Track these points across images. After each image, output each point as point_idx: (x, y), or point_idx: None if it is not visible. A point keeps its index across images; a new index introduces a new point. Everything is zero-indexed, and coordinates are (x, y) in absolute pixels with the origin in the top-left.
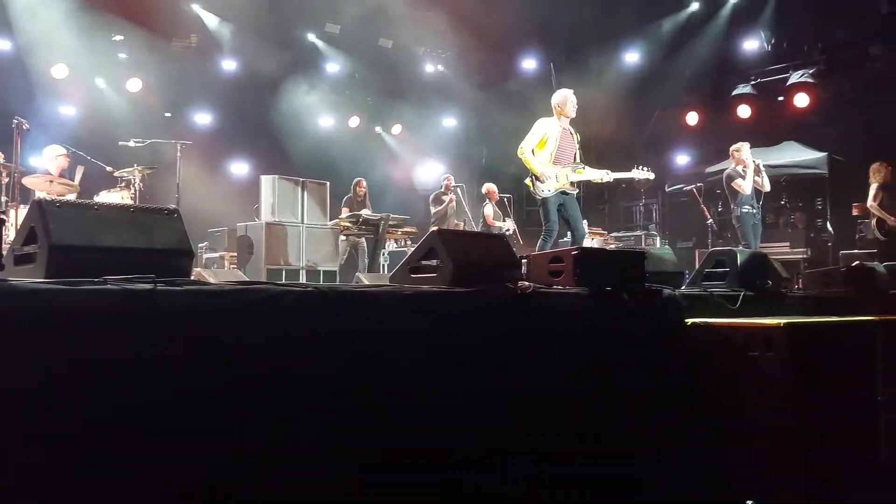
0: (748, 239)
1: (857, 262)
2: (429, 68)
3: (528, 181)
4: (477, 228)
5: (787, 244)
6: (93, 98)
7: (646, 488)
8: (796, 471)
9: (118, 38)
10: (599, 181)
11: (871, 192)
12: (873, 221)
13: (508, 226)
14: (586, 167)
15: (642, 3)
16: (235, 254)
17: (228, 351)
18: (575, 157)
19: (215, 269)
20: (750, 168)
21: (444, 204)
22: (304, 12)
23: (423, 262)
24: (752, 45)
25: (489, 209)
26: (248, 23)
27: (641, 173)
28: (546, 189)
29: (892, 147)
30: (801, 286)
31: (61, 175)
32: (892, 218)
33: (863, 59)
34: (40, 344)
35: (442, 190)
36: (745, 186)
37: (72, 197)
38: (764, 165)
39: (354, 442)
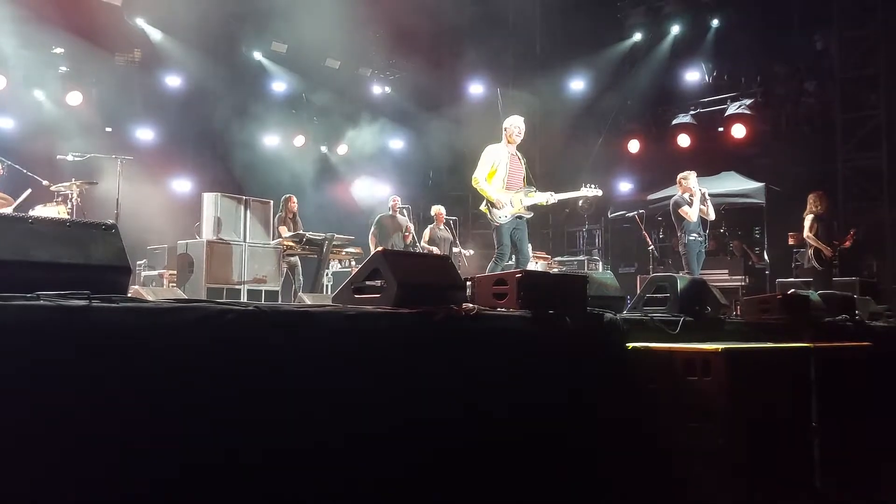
0: (692, 266)
1: (793, 291)
2: (376, 90)
3: (483, 208)
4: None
5: (726, 271)
6: (31, 110)
7: None
8: (731, 496)
9: (59, 50)
10: (546, 203)
11: (807, 222)
12: (810, 251)
13: (459, 249)
14: (536, 190)
15: (587, 33)
16: (175, 272)
17: (165, 370)
18: (524, 181)
19: (154, 287)
20: (696, 196)
21: (388, 229)
22: (251, 30)
23: (368, 283)
24: (692, 76)
25: (427, 232)
26: (193, 39)
27: (590, 191)
28: (503, 216)
29: (824, 179)
30: (738, 313)
31: None
32: (829, 248)
33: (798, 94)
34: None
35: (389, 212)
36: (691, 214)
37: (6, 210)
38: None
39: (296, 463)
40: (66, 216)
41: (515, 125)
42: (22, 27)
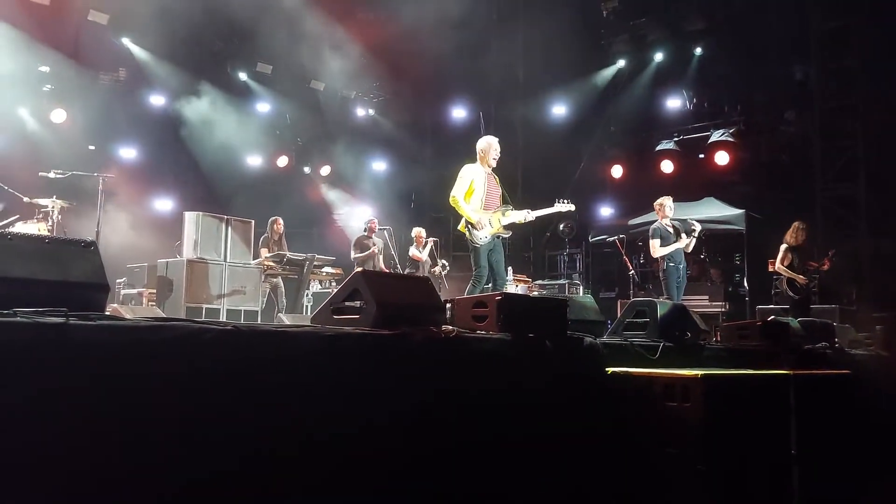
0: (671, 292)
1: (773, 318)
2: (360, 112)
3: (462, 228)
4: (405, 271)
5: (706, 297)
6: (14, 127)
7: None
8: None
9: (44, 68)
10: (522, 221)
11: (780, 253)
12: (784, 281)
13: (438, 268)
14: (512, 209)
15: (571, 59)
16: (154, 290)
17: (141, 389)
18: (500, 201)
19: (133, 305)
20: (667, 221)
21: (367, 251)
22: (237, 51)
23: (347, 304)
24: (675, 103)
25: (414, 251)
26: (178, 58)
27: (563, 206)
28: (482, 236)
29: (803, 206)
30: (718, 339)
31: None
32: (802, 277)
33: (778, 123)
34: None
35: (365, 233)
36: (656, 251)
37: None
38: (684, 220)
39: (274, 485)
40: (47, 233)
41: (493, 147)
42: (8, 44)
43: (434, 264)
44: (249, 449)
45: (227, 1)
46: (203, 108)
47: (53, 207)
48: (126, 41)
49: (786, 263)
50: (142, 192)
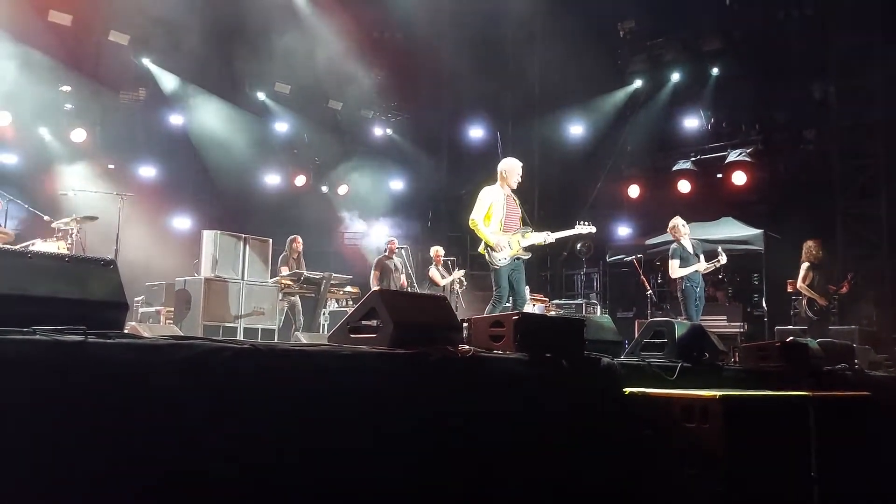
0: (689, 312)
1: (792, 338)
2: (377, 131)
3: (481, 250)
4: (421, 290)
5: (725, 318)
6: (35, 146)
7: None
8: None
9: (65, 88)
10: (543, 243)
11: (802, 272)
12: (804, 301)
13: (457, 276)
14: (532, 230)
15: (587, 79)
16: (172, 309)
17: (159, 407)
18: (520, 223)
19: (151, 323)
20: (685, 239)
21: (386, 273)
22: (255, 70)
23: (364, 322)
24: (692, 122)
25: (434, 271)
26: (197, 78)
27: (584, 228)
28: (502, 258)
29: (823, 226)
30: (737, 360)
31: None
32: (822, 298)
33: (797, 141)
34: None
35: (385, 253)
36: (674, 272)
37: (5, 246)
38: (700, 240)
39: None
40: (67, 251)
41: (515, 171)
42: (29, 64)
43: (405, 273)
44: (267, 467)
45: (246, 21)
46: (221, 128)
47: (73, 226)
48: (146, 61)
49: (807, 282)
50: (160, 211)
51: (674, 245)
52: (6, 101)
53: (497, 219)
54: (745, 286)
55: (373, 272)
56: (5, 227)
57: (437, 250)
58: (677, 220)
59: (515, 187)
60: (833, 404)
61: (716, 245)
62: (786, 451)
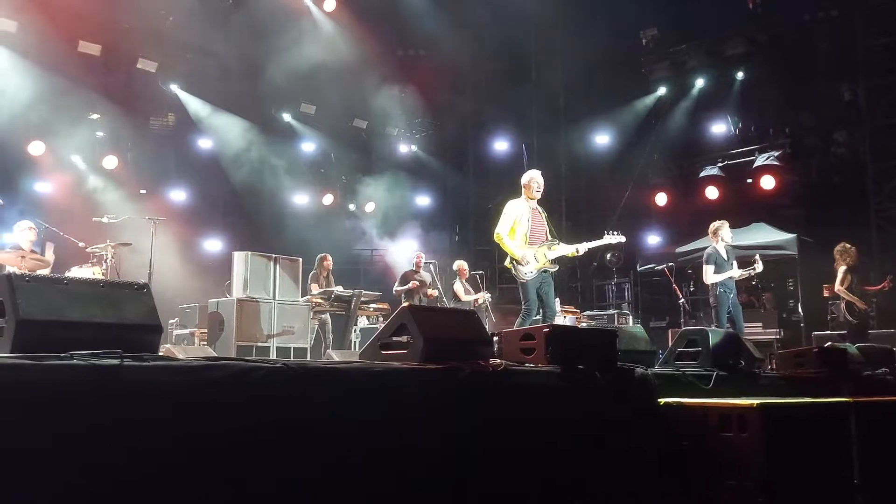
0: (721, 319)
1: (830, 344)
2: (403, 148)
3: (507, 264)
4: (449, 305)
5: (760, 324)
6: (69, 175)
7: None
8: None
9: (95, 116)
10: (573, 255)
11: (839, 275)
12: (843, 304)
13: (481, 297)
14: (560, 242)
15: (611, 88)
16: (206, 330)
17: (195, 427)
18: (546, 235)
19: (185, 345)
20: (720, 245)
21: (408, 283)
22: (281, 92)
23: (394, 339)
24: (718, 128)
25: (458, 286)
26: (224, 102)
27: (613, 238)
28: (528, 272)
29: (857, 228)
30: (774, 367)
31: (32, 250)
32: (862, 303)
33: (828, 144)
34: (4, 419)
35: (413, 268)
36: (708, 277)
37: (44, 272)
38: (734, 247)
39: None
40: (101, 276)
41: (535, 180)
42: (61, 94)
43: (434, 287)
44: (304, 483)
45: (269, 44)
46: (249, 150)
47: (108, 251)
48: (174, 87)
49: (846, 285)
50: (192, 234)
51: (708, 250)
52: (40, 131)
53: (522, 232)
54: (780, 292)
55: (397, 284)
56: (42, 254)
57: (461, 265)
58: (723, 226)
59: (539, 197)
60: (875, 410)
61: (750, 252)
62: (827, 458)
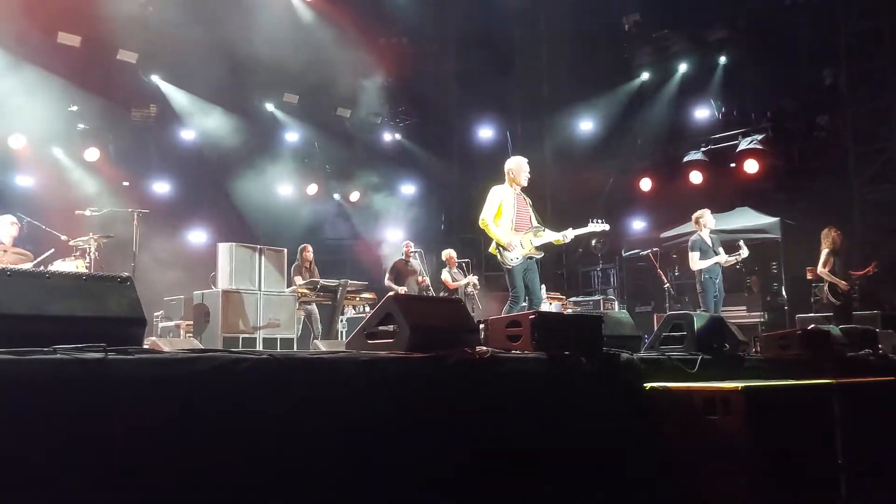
0: (708, 305)
1: (813, 326)
2: (387, 137)
3: (493, 250)
4: (437, 294)
5: (744, 308)
6: (50, 167)
7: None
8: None
9: (74, 108)
10: (560, 242)
11: (822, 258)
12: (826, 286)
13: (470, 280)
14: (546, 229)
15: (594, 74)
16: (192, 322)
17: (180, 420)
18: (531, 221)
19: (171, 337)
20: (705, 232)
21: (402, 276)
22: (263, 82)
23: (380, 328)
24: (702, 112)
25: (447, 275)
26: (206, 93)
27: (597, 226)
28: (514, 258)
29: (840, 212)
30: (758, 349)
31: (14, 244)
32: (844, 283)
33: (810, 128)
34: None
35: (402, 257)
36: (694, 263)
37: (26, 266)
38: (718, 231)
39: None
40: (85, 270)
41: (519, 166)
42: (41, 87)
43: (421, 275)
44: (290, 475)
45: (251, 34)
46: (232, 141)
47: (91, 244)
48: (155, 78)
49: (828, 268)
50: (176, 226)
51: (693, 237)
52: (20, 124)
53: (508, 218)
54: (764, 275)
55: (387, 275)
56: (25, 248)
57: (449, 253)
58: (705, 213)
59: (526, 185)
60: (858, 391)
61: (734, 236)
62: (811, 439)
